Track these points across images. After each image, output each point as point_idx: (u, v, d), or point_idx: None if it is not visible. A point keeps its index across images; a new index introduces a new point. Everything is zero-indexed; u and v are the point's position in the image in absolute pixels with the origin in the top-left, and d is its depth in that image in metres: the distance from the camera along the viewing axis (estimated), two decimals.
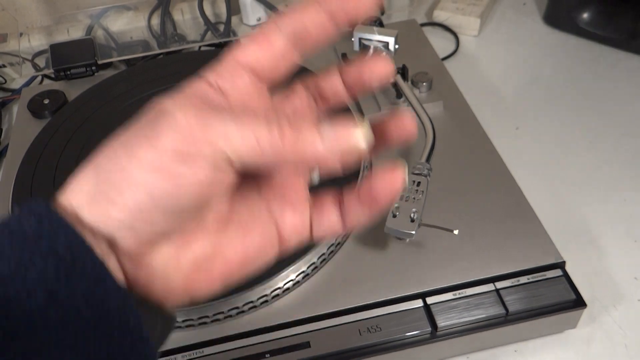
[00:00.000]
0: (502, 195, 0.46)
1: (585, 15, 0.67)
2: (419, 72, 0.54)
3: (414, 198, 0.41)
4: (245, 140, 0.20)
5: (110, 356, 0.19)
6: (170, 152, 0.19)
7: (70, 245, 0.19)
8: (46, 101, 0.58)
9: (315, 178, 0.27)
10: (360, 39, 0.54)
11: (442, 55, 0.67)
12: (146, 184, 0.20)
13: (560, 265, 0.41)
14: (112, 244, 0.20)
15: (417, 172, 0.42)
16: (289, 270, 0.40)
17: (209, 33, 0.69)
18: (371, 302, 0.39)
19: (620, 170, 0.54)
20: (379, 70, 0.25)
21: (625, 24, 0.65)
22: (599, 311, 0.44)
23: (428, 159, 0.44)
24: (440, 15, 0.71)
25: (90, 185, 0.20)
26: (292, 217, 0.25)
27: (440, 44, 0.69)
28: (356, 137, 0.21)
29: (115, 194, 0.20)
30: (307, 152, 0.20)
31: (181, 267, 0.22)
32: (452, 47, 0.69)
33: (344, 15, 0.23)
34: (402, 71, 0.51)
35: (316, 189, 0.26)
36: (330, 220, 0.25)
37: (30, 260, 0.18)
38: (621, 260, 0.47)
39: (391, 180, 0.24)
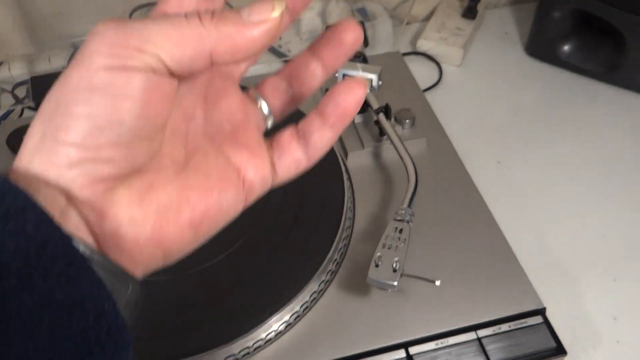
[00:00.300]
0: (484, 238, 0.46)
1: (566, 47, 0.68)
2: (402, 108, 0.55)
3: (396, 246, 0.41)
4: (169, 36, 0.20)
5: (85, 341, 0.19)
6: (102, 68, 0.20)
7: (38, 224, 0.18)
8: None
9: (269, 123, 0.27)
10: (344, 75, 0.55)
11: (425, 85, 0.67)
12: (86, 110, 0.20)
13: (541, 311, 0.41)
14: (69, 195, 0.20)
15: (399, 218, 0.42)
16: (271, 320, 0.40)
17: None
18: (354, 353, 0.39)
19: (599, 206, 0.55)
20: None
21: (604, 56, 0.66)
22: (579, 355, 0.44)
23: (410, 204, 0.44)
24: (423, 45, 0.71)
25: (37, 136, 0.20)
26: (251, 160, 0.25)
27: (424, 73, 0.69)
28: (273, 7, 0.21)
29: (60, 134, 0.20)
30: (230, 31, 0.21)
31: (147, 215, 0.22)
32: (435, 77, 0.70)
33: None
34: (385, 110, 0.51)
35: (271, 132, 0.26)
36: (293, 156, 0.26)
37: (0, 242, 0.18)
38: (600, 301, 0.48)
39: (355, 87, 0.24)
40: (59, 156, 0.20)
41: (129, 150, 0.21)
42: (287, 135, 0.26)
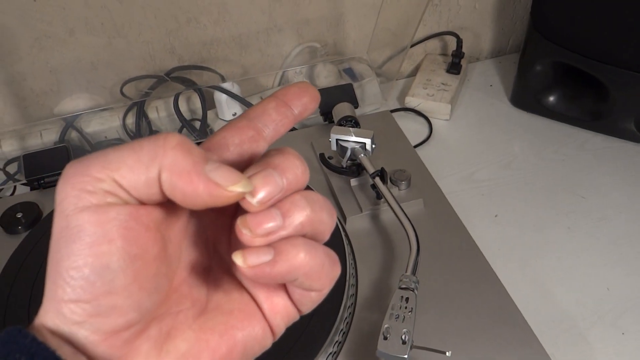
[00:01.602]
0: (489, 298, 0.46)
1: (550, 98, 0.70)
2: (397, 169, 0.55)
3: (403, 316, 0.40)
4: (124, 159, 0.20)
5: None
6: (73, 212, 0.19)
7: None
8: (19, 215, 0.56)
9: None
10: (337, 140, 0.55)
11: (417, 140, 0.68)
12: (72, 264, 0.19)
13: None
14: (86, 353, 0.20)
15: (404, 286, 0.42)
16: None
17: (185, 130, 0.69)
18: None
19: (599, 257, 0.55)
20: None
21: (588, 105, 0.68)
22: None
23: (414, 272, 0.43)
24: (412, 102, 0.73)
25: (48, 293, 0.20)
26: (272, 292, 0.24)
27: (414, 128, 0.71)
28: (235, 189, 0.20)
29: (59, 293, 0.20)
30: (182, 165, 0.20)
31: None
32: (425, 131, 0.71)
33: (300, 106, 0.24)
34: (381, 174, 0.51)
35: None
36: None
37: None
38: (611, 355, 0.47)
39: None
40: (66, 315, 0.20)
41: (131, 295, 0.20)
42: None
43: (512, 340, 0.43)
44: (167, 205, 0.21)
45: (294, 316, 0.24)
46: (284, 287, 0.24)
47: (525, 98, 0.71)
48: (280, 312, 0.24)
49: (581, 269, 0.54)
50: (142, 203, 0.20)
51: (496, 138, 0.69)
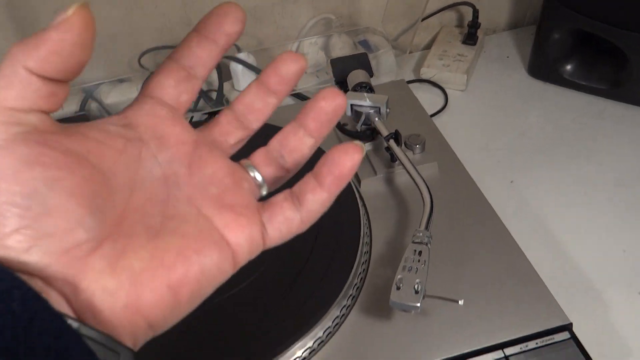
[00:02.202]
0: (503, 257, 0.46)
1: (568, 67, 0.69)
2: (412, 134, 0.55)
3: (416, 268, 0.40)
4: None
5: None
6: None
7: (24, 302, 0.19)
8: None
9: (263, 191, 0.27)
10: (352, 105, 0.56)
11: (432, 111, 0.68)
12: (3, 196, 0.20)
13: (568, 327, 0.41)
14: (41, 275, 0.20)
15: (417, 240, 0.42)
16: (295, 347, 0.39)
17: (202, 101, 0.70)
18: None
19: (616, 221, 0.55)
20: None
21: (607, 73, 0.67)
22: None
23: (427, 227, 0.44)
24: (427, 73, 0.73)
25: None
26: (235, 220, 0.24)
27: (429, 99, 0.70)
28: None
29: (1, 229, 0.20)
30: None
31: (120, 283, 0.21)
32: (441, 102, 0.70)
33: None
34: (395, 136, 0.52)
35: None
36: (284, 215, 0.25)
37: None
38: (627, 314, 0.47)
39: (351, 151, 0.24)
40: (13, 247, 0.20)
41: (69, 213, 0.21)
42: (280, 197, 0.26)
43: (524, 294, 0.43)
44: (88, 137, 0.22)
45: (258, 241, 0.25)
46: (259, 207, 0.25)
47: (543, 68, 0.70)
48: (246, 235, 0.24)
49: (598, 233, 0.54)
50: (46, 113, 0.21)
51: (512, 108, 0.69)
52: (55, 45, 0.20)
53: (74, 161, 0.21)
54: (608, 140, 0.63)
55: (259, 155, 0.27)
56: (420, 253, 0.42)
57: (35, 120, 0.21)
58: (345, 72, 0.63)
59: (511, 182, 0.60)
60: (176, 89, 0.25)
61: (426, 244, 0.42)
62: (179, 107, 0.26)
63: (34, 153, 0.20)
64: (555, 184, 0.59)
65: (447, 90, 0.72)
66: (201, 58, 0.25)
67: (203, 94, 0.70)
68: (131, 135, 0.24)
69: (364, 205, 0.51)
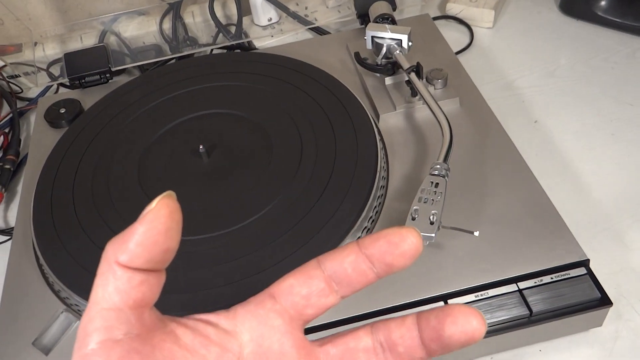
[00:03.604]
0: (523, 193, 0.45)
1: (602, 3, 0.66)
2: (434, 68, 0.54)
3: (432, 200, 0.40)
4: (93, 302, 0.21)
5: None
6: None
7: None
8: (62, 110, 0.58)
9: None
10: (372, 37, 0.54)
11: (456, 49, 0.66)
12: None
13: (584, 263, 0.40)
14: None
15: (435, 172, 0.42)
16: None
17: (221, 35, 0.69)
18: (392, 305, 0.39)
19: None
20: (464, 326, 0.21)
21: None
22: (625, 308, 0.43)
23: (445, 159, 0.43)
24: (453, 8, 0.70)
25: None
26: None
27: (454, 37, 0.68)
28: None
29: None
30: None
31: None
32: (466, 40, 0.68)
33: (382, 266, 0.23)
34: (417, 69, 0.50)
35: None
36: None
37: None
38: None
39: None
40: None
41: None
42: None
43: (542, 229, 0.42)
44: (180, 344, 0.22)
45: None
46: None
47: (576, 3, 0.67)
48: None
49: (622, 174, 0.52)
50: (144, 307, 0.22)
51: (541, 46, 0.66)
52: (141, 237, 0.20)
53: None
54: (639, 80, 0.61)
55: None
56: (437, 185, 0.41)
57: (133, 318, 0.21)
58: (367, 4, 0.61)
59: (535, 122, 0.58)
60: (306, 300, 0.23)
61: (443, 177, 0.42)
62: (299, 319, 0.24)
63: None
64: (581, 125, 0.57)
65: (474, 28, 0.69)
66: (349, 277, 0.23)
67: (221, 27, 0.69)
68: (230, 346, 0.23)
69: (382, 139, 0.50)
